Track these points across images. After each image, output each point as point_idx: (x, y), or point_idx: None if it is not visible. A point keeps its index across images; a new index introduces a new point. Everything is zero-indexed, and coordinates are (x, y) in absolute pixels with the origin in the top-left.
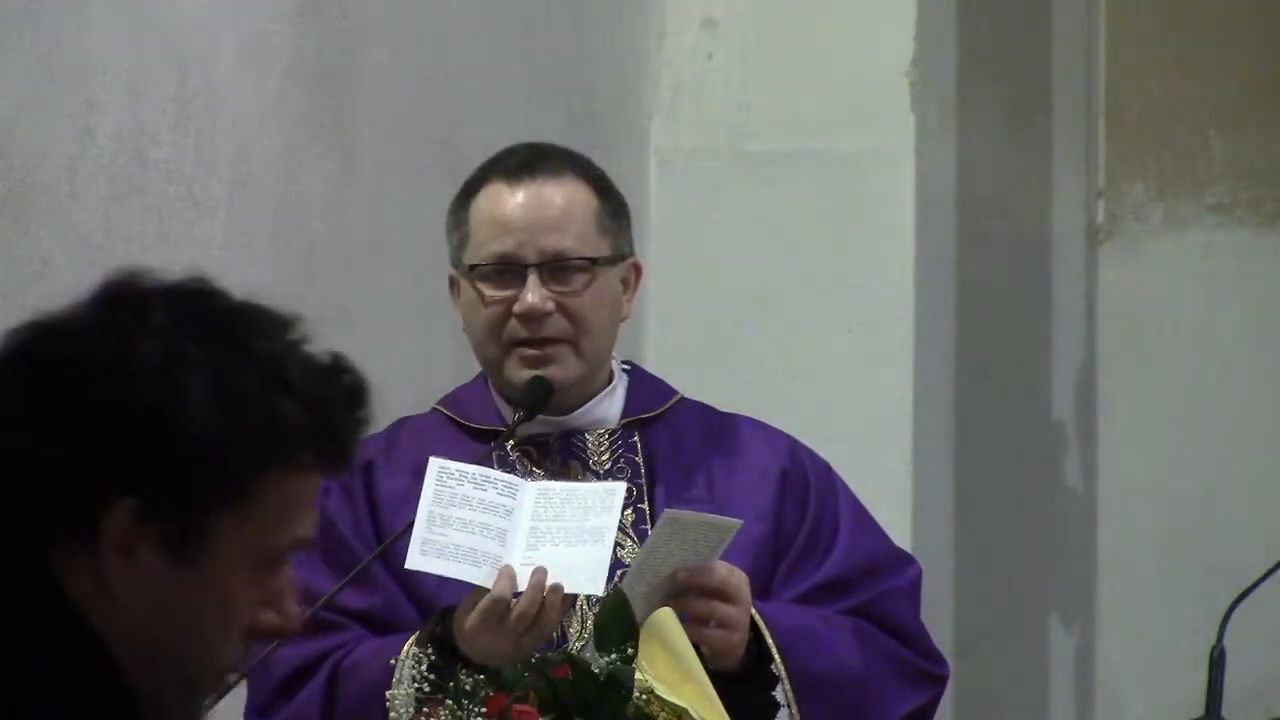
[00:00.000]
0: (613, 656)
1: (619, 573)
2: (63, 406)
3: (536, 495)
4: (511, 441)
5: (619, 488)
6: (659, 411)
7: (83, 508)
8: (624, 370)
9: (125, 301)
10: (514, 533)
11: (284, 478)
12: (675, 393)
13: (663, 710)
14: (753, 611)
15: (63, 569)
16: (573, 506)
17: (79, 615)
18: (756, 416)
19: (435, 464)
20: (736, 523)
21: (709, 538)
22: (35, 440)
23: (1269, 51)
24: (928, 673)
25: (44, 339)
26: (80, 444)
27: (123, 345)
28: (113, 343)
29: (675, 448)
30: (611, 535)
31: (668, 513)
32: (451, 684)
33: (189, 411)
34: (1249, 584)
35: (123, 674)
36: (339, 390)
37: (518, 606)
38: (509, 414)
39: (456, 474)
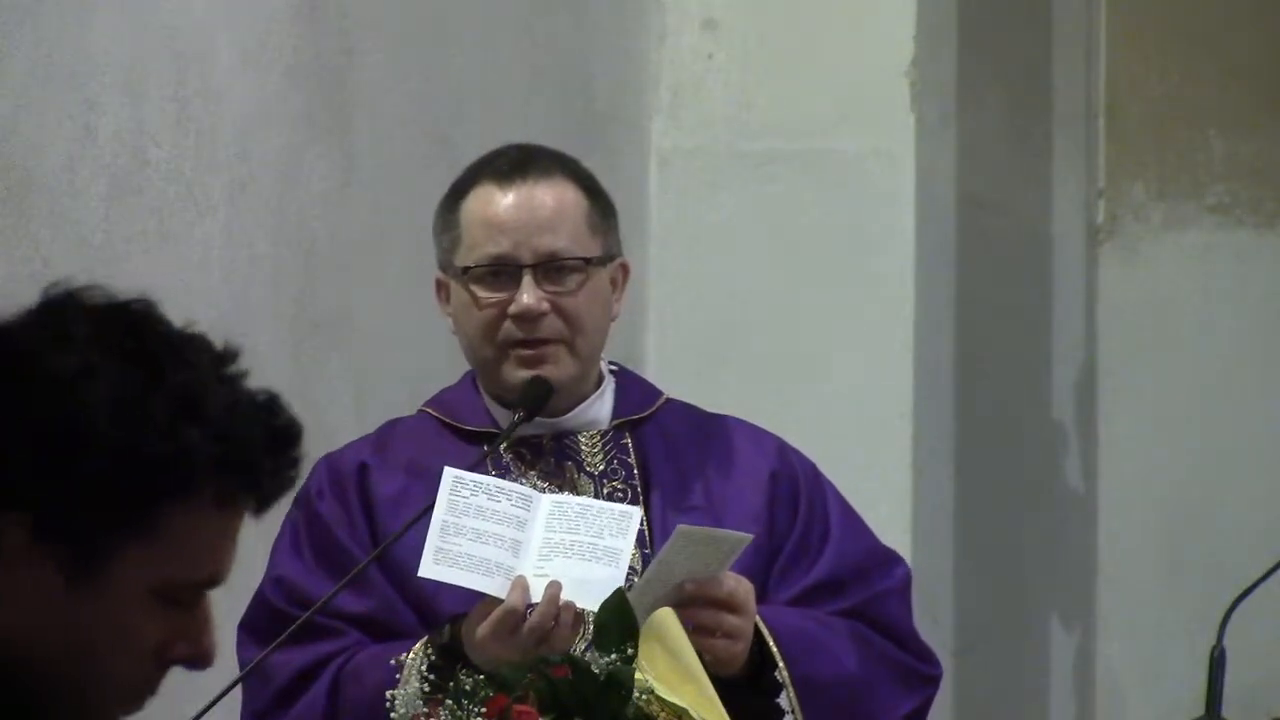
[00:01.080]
0: (613, 656)
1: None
2: None
3: (551, 508)
4: (505, 443)
5: (635, 512)
6: (648, 412)
7: None
8: (611, 371)
9: (53, 313)
10: (527, 544)
11: (191, 511)
12: (661, 393)
13: (663, 710)
14: (756, 618)
15: None
16: (587, 523)
17: None
18: (756, 416)
19: (450, 474)
20: (747, 537)
21: (718, 551)
22: None
23: (1269, 51)
24: (923, 674)
25: None
26: None
27: (36, 356)
28: (27, 352)
29: (667, 449)
30: (626, 559)
31: (680, 528)
32: (451, 684)
33: (88, 429)
34: (1249, 584)
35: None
36: (262, 429)
37: (531, 619)
38: (501, 416)
39: (471, 484)
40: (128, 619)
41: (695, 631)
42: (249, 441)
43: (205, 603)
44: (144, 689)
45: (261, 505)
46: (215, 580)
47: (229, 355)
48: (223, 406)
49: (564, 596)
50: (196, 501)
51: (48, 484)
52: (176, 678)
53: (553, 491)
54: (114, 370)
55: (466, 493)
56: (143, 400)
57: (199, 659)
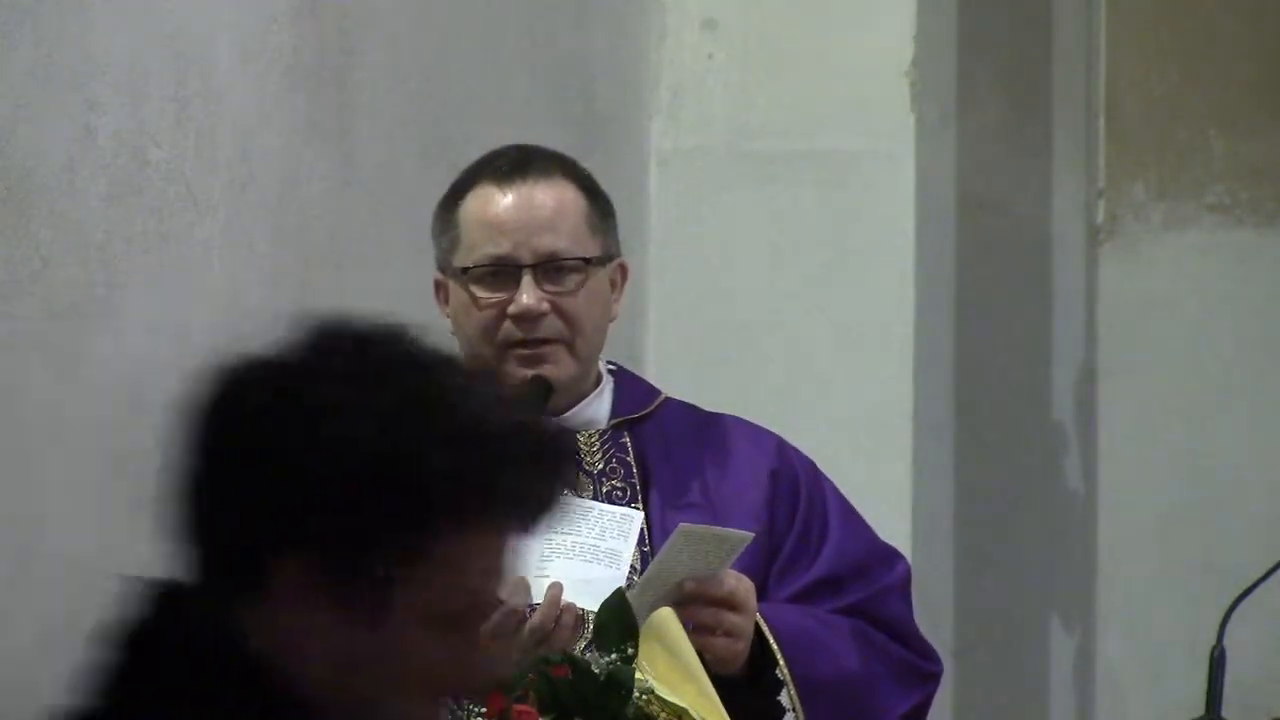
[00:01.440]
0: (613, 656)
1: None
2: (241, 451)
3: None
4: None
5: (637, 516)
6: (647, 411)
7: (255, 559)
8: (609, 371)
9: (323, 344)
10: (527, 545)
11: (466, 538)
12: (659, 392)
13: (663, 710)
14: (757, 617)
15: (241, 622)
16: (589, 523)
17: (258, 672)
18: (756, 416)
19: None
20: (748, 536)
21: (719, 549)
22: (215, 484)
23: (1269, 51)
24: (924, 671)
25: (239, 378)
26: (254, 490)
27: (309, 389)
28: (300, 386)
29: (665, 448)
30: (627, 561)
31: (682, 527)
32: None
33: (364, 463)
34: (1249, 584)
35: None
36: (529, 451)
37: (532, 619)
38: None
39: None
40: (409, 652)
41: (695, 630)
42: (518, 464)
43: (480, 630)
44: None
45: (531, 526)
46: (491, 606)
47: (489, 377)
48: (490, 430)
49: (564, 597)
50: (471, 528)
51: (324, 521)
52: None
53: None
54: (388, 401)
55: None
56: (415, 430)
57: (485, 684)
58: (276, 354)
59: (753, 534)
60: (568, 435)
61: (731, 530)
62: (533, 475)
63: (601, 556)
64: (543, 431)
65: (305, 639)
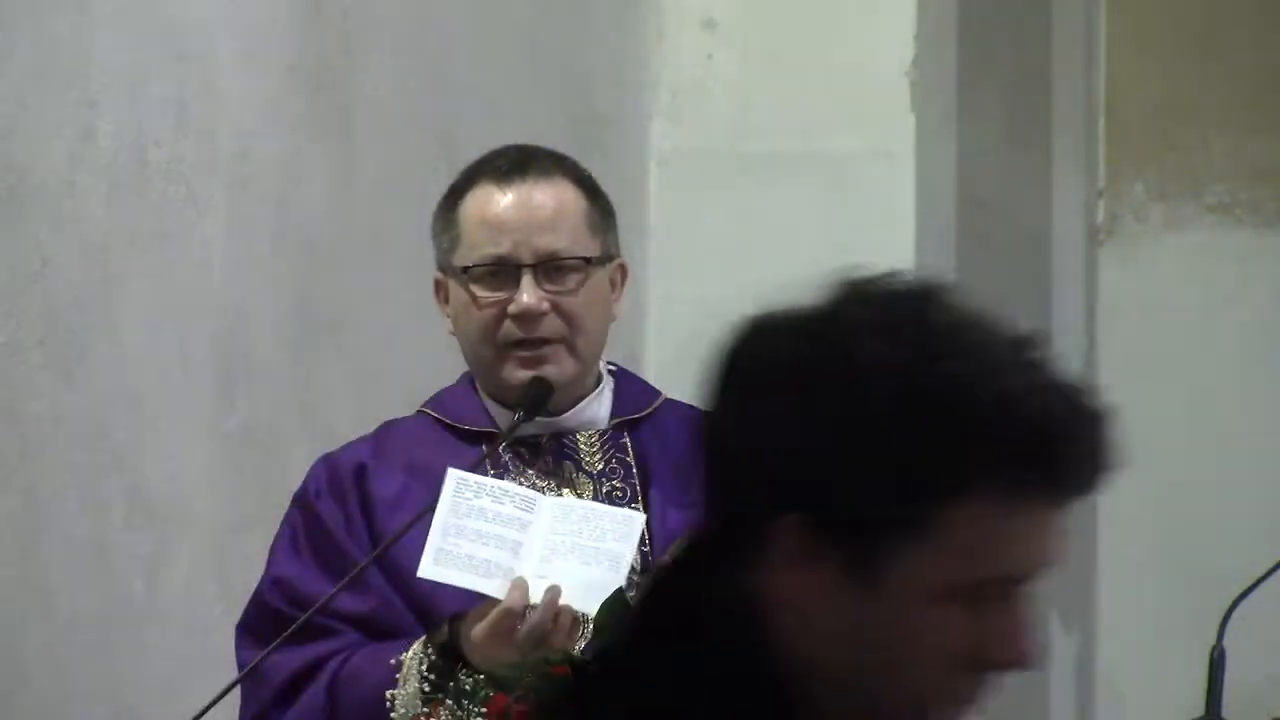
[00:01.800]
0: None
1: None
2: (767, 403)
3: (554, 511)
4: (504, 443)
5: (639, 518)
6: (647, 412)
7: (752, 520)
8: (609, 371)
9: (849, 298)
10: (528, 546)
11: (973, 506)
12: (659, 393)
13: None
14: None
15: (747, 585)
16: (590, 526)
17: (763, 636)
18: None
19: (454, 475)
20: None
21: None
22: (736, 439)
23: (1269, 51)
24: None
25: (767, 331)
26: (774, 445)
27: (836, 343)
28: (828, 339)
29: (665, 448)
30: (628, 564)
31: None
32: (451, 684)
33: (876, 423)
34: (1249, 584)
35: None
36: (1060, 416)
37: (529, 621)
38: (500, 416)
39: (474, 486)
40: (916, 622)
41: None
42: (1042, 430)
43: (1019, 601)
44: (950, 698)
45: (1069, 495)
46: (1022, 577)
47: (1027, 338)
48: (1022, 395)
49: (564, 599)
50: (980, 496)
51: (829, 481)
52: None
53: (552, 491)
54: (903, 361)
55: (470, 494)
56: (926, 392)
57: (1014, 662)
58: (803, 308)
59: None
60: (1099, 407)
61: None
62: (1059, 441)
63: (602, 558)
64: (1077, 397)
65: (806, 603)
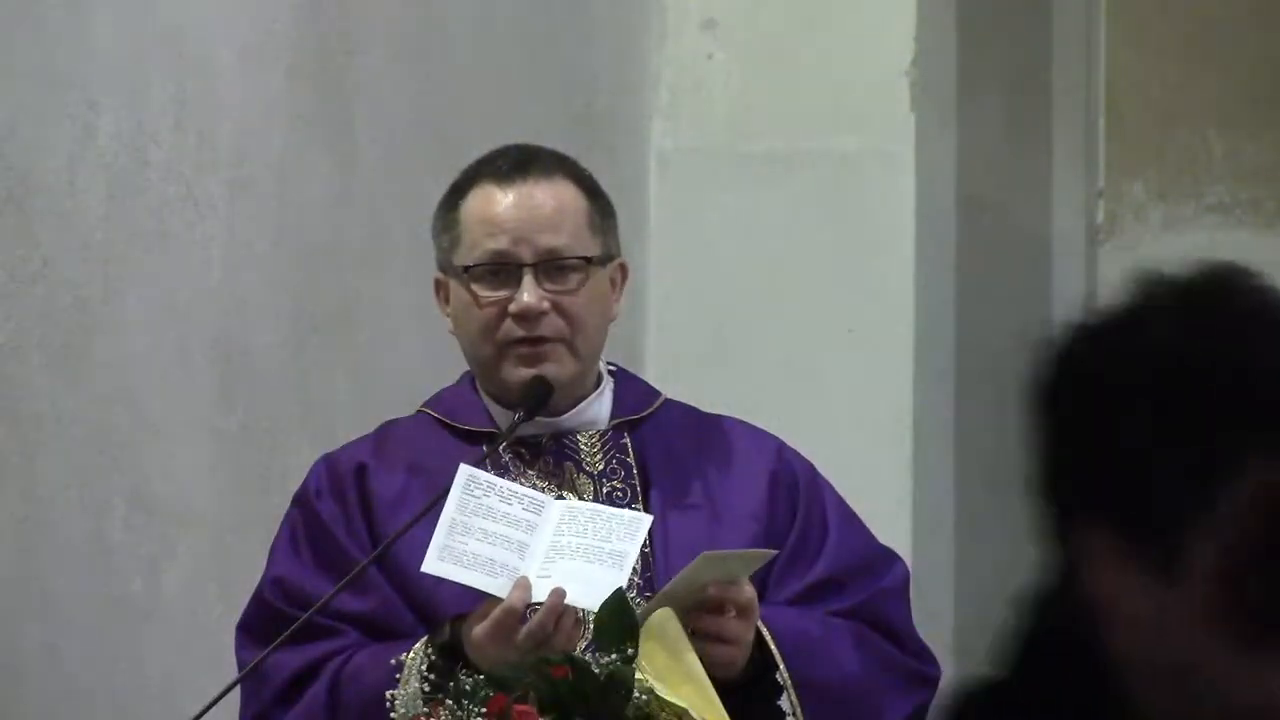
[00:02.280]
0: (613, 656)
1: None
2: (1081, 414)
3: (562, 513)
4: (504, 443)
5: (646, 519)
6: (647, 413)
7: (1065, 524)
8: (609, 371)
9: (1147, 300)
10: (534, 546)
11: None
12: (660, 394)
13: (663, 710)
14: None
15: (1073, 594)
16: (597, 527)
17: (1093, 642)
18: (756, 417)
19: (465, 471)
20: (770, 553)
21: (740, 566)
22: (1056, 453)
23: (1269, 51)
24: (923, 675)
25: (1074, 345)
26: (1087, 451)
27: (1140, 346)
28: (1131, 344)
29: (665, 449)
30: (630, 563)
31: (704, 555)
32: (451, 684)
33: (1187, 422)
34: None
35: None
36: None
37: (530, 623)
38: (500, 415)
39: (485, 484)
40: (1202, 619)
41: (694, 635)
42: None
43: None
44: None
45: None
46: None
47: None
48: None
49: (569, 598)
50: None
51: (1127, 480)
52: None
53: (552, 491)
54: (1218, 352)
55: (479, 492)
56: (1247, 386)
57: None
58: (1102, 317)
59: (775, 550)
60: None
61: (754, 550)
62: None
63: (605, 557)
64: None
65: (1120, 609)
